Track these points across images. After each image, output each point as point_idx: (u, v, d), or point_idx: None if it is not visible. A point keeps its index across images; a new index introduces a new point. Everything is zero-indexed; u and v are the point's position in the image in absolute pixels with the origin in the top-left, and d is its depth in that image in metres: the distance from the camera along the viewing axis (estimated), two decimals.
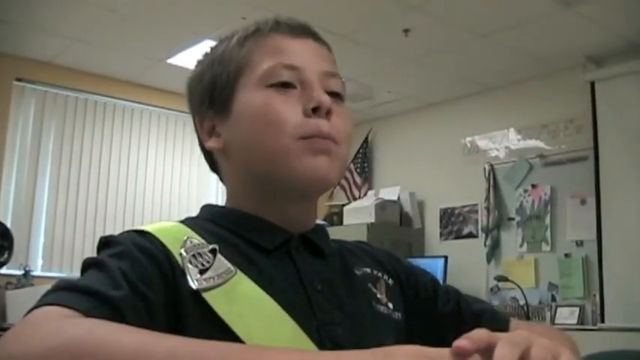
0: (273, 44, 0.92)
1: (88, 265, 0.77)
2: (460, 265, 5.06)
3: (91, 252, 0.80)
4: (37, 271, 4.87)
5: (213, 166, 1.00)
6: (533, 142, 5.05)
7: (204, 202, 1.00)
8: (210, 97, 0.94)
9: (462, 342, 0.57)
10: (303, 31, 0.94)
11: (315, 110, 0.88)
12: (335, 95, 0.92)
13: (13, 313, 4.29)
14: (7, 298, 4.43)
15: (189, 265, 0.79)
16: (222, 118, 0.93)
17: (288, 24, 0.94)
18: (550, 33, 4.29)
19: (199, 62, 0.99)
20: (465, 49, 4.60)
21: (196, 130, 0.98)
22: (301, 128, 0.87)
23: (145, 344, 0.61)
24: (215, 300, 0.77)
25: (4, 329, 0.68)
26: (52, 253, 5.03)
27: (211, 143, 0.95)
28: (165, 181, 5.65)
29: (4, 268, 4.54)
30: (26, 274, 4.72)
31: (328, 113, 0.89)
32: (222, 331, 0.74)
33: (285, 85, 0.89)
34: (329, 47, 0.98)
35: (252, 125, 0.89)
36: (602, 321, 4.32)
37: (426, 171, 5.67)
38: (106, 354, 0.60)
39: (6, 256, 4.46)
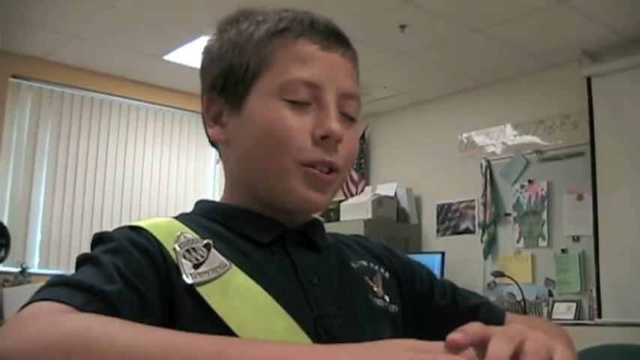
0: (299, 51, 0.88)
1: (82, 261, 0.77)
2: (457, 261, 5.07)
3: (87, 249, 0.80)
4: (34, 269, 4.87)
5: (214, 145, 0.98)
6: (529, 138, 5.05)
7: (200, 199, 0.99)
8: (224, 85, 0.91)
9: (456, 335, 0.58)
10: (334, 40, 0.91)
11: (325, 138, 0.87)
12: (348, 116, 0.91)
13: (10, 310, 4.28)
14: (4, 295, 4.42)
15: (183, 260, 0.79)
16: (232, 112, 0.91)
17: (321, 30, 0.90)
18: (546, 28, 4.29)
19: (221, 32, 0.94)
20: (461, 45, 4.60)
21: (202, 108, 0.95)
22: (305, 154, 0.86)
23: (139, 338, 0.61)
24: (209, 294, 0.77)
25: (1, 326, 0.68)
26: (48, 251, 5.03)
27: (215, 133, 0.93)
28: (162, 178, 5.64)
29: (1, 265, 4.54)
30: (23, 271, 4.72)
31: (337, 142, 0.88)
32: (216, 326, 0.74)
33: (301, 102, 0.87)
34: (355, 59, 0.96)
35: (259, 136, 0.88)
36: (599, 316, 4.33)
37: (423, 167, 5.67)
38: (100, 348, 0.60)
39: (3, 253, 4.46)
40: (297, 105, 0.87)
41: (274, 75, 0.88)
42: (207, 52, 0.95)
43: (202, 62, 0.96)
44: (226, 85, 0.91)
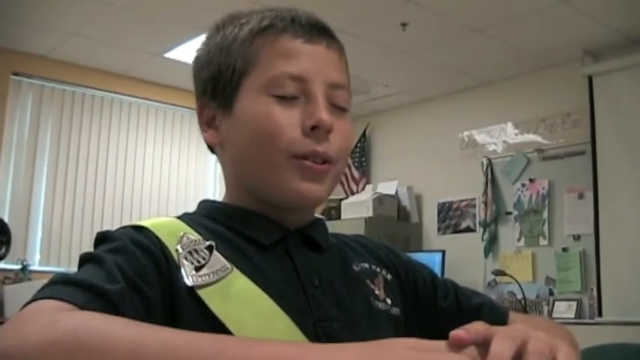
0: (283, 47, 0.89)
1: (84, 260, 0.77)
2: (458, 260, 5.07)
3: (88, 247, 0.80)
4: (35, 266, 4.88)
5: (212, 150, 0.99)
6: (530, 137, 5.05)
7: (202, 197, 1.00)
8: (214, 88, 0.92)
9: (459, 332, 0.58)
10: (317, 33, 0.91)
11: (315, 128, 0.86)
12: (338, 107, 0.91)
13: (10, 307, 4.29)
14: (5, 292, 4.42)
15: (185, 262, 0.79)
16: (224, 113, 0.92)
17: (303, 24, 0.90)
18: (547, 27, 4.29)
19: (209, 38, 0.95)
20: (462, 44, 4.60)
21: (197, 114, 0.97)
22: (296, 146, 0.86)
23: (140, 336, 0.61)
24: (209, 297, 0.77)
25: (2, 324, 0.68)
26: (49, 248, 5.04)
27: (210, 137, 0.94)
28: (163, 176, 5.65)
29: (2, 262, 4.54)
30: (24, 268, 4.72)
31: (328, 132, 0.87)
32: (215, 328, 0.74)
33: (289, 97, 0.88)
34: (342, 50, 0.95)
35: (249, 134, 0.88)
36: (600, 315, 4.34)
37: (424, 165, 5.68)
38: (102, 346, 0.60)
39: (3, 250, 4.46)
40: (286, 100, 0.87)
41: (261, 72, 0.88)
42: (197, 60, 0.97)
43: (193, 70, 0.97)
44: (216, 88, 0.92)
